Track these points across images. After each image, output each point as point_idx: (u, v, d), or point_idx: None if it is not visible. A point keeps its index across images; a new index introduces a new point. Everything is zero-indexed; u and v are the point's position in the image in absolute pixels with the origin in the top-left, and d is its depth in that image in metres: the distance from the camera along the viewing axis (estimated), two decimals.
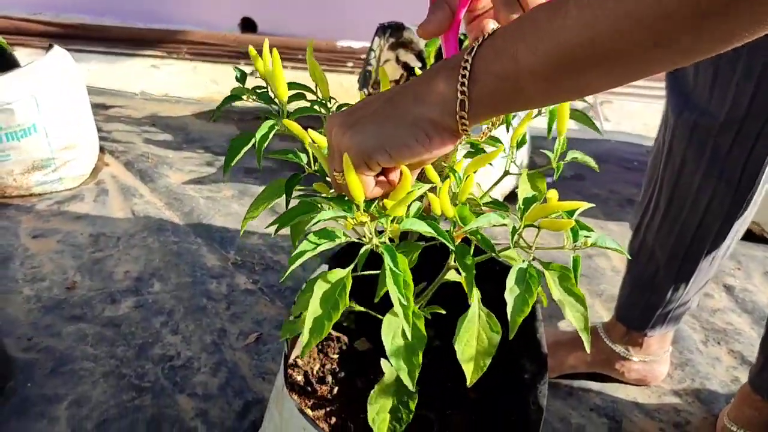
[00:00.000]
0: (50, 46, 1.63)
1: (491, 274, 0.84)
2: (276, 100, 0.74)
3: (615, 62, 0.43)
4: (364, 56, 2.54)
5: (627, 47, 0.42)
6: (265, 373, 1.23)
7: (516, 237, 0.64)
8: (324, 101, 0.77)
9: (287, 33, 2.71)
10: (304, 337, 0.57)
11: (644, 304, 1.16)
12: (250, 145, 0.75)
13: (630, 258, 1.18)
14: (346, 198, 0.60)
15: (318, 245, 0.58)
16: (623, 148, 2.04)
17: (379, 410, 0.69)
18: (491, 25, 0.60)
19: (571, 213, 0.68)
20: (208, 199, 1.72)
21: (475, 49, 0.49)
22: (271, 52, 0.72)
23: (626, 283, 1.21)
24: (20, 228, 1.58)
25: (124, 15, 2.90)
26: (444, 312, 0.78)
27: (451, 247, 0.63)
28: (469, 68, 0.49)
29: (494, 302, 0.69)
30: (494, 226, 0.67)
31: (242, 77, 0.79)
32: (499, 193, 1.71)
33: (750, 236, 1.63)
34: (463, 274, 0.65)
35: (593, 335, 1.24)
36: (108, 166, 1.85)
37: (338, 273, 0.61)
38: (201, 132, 2.05)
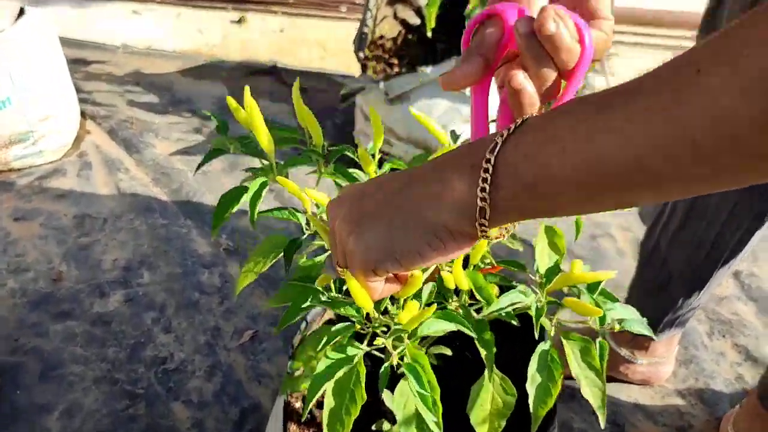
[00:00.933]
0: (21, 11, 1.51)
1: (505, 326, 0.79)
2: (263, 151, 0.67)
3: (664, 184, 0.37)
4: (359, 1, 2.40)
5: (678, 172, 0.35)
6: (261, 376, 1.20)
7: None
8: (316, 148, 0.70)
9: None
10: None
11: (653, 309, 1.12)
12: (240, 203, 0.68)
13: (641, 260, 1.14)
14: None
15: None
16: None
17: None
18: (520, 77, 0.50)
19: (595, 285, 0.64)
20: (198, 172, 1.64)
21: (499, 147, 0.42)
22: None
23: (635, 286, 1.16)
24: (1, 209, 1.51)
25: None
26: (450, 353, 0.74)
27: (474, 336, 0.58)
28: (491, 171, 0.42)
29: (509, 354, 0.66)
30: (516, 306, 0.61)
31: (223, 127, 0.71)
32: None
33: None
34: (483, 352, 0.61)
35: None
36: (90, 134, 1.75)
37: (348, 350, 0.55)
38: (188, 92, 1.95)
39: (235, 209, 0.67)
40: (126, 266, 1.39)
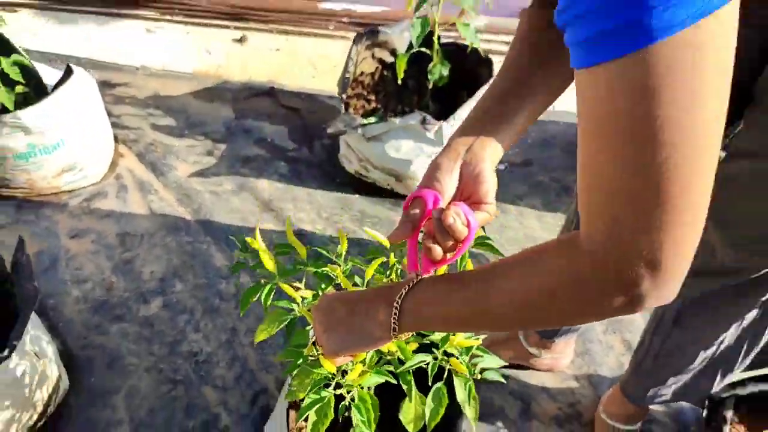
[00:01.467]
0: (69, 70, 1.87)
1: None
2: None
3: (480, 329, 0.79)
4: (345, 19, 2.74)
5: (485, 326, 0.77)
6: (268, 366, 1.64)
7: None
8: (304, 261, 1.10)
9: None
10: None
11: None
12: (258, 296, 1.08)
13: None
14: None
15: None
16: (572, 131, 2.34)
17: None
18: (430, 243, 0.89)
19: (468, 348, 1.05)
20: (211, 193, 2.05)
21: (402, 296, 0.83)
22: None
23: None
24: (59, 228, 1.92)
25: None
26: (394, 382, 1.17)
27: (405, 387, 1.00)
28: (398, 309, 0.84)
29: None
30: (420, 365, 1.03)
31: (239, 266, 1.11)
32: None
33: None
34: (404, 387, 1.04)
35: (516, 340, 1.64)
36: (123, 157, 2.14)
37: (321, 393, 0.98)
38: (200, 114, 2.32)
39: (254, 298, 1.08)
40: (161, 277, 1.82)
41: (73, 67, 1.89)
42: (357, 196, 2.08)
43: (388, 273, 1.12)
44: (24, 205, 1.97)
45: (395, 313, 0.81)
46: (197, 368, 1.63)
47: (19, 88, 1.86)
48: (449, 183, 0.84)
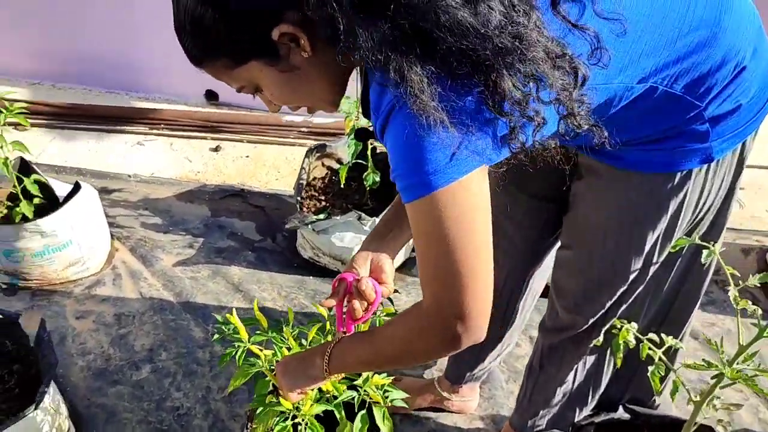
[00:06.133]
0: (77, 185, 2.36)
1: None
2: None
3: (380, 369, 1.26)
4: (304, 129, 3.29)
5: (381, 366, 1.23)
6: (236, 416, 2.06)
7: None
8: (266, 330, 1.55)
9: (244, 104, 3.42)
10: None
11: (458, 371, 2.00)
12: (234, 354, 1.53)
13: None
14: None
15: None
16: None
17: None
18: (356, 305, 1.36)
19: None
20: (191, 279, 2.51)
21: (330, 350, 1.28)
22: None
23: (453, 355, 2.03)
24: (66, 311, 2.36)
25: (110, 85, 3.57)
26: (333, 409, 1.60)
27: (338, 415, 1.44)
28: (328, 358, 1.28)
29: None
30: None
31: (224, 359, 1.57)
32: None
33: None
34: (338, 415, 1.47)
35: (432, 386, 2.08)
36: (118, 251, 2.61)
37: (281, 424, 1.42)
38: (182, 213, 2.81)
39: (229, 358, 1.52)
40: (150, 348, 2.25)
41: (81, 182, 2.38)
42: (311, 277, 2.55)
43: (325, 334, 1.57)
44: (38, 293, 2.42)
45: (326, 360, 1.25)
46: (179, 420, 2.04)
47: (36, 200, 2.35)
48: (363, 269, 1.33)
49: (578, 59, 0.94)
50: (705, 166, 1.19)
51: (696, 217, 1.31)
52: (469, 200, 0.96)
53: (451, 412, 2.11)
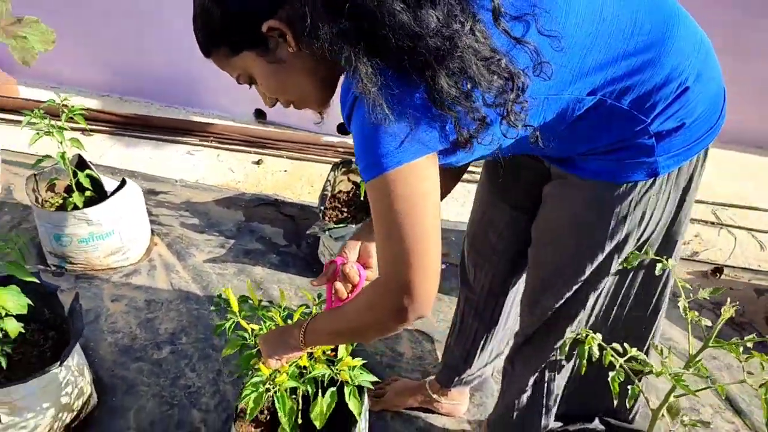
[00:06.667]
0: (124, 181, 2.63)
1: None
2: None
3: (349, 340, 1.42)
4: (340, 149, 3.50)
5: (350, 337, 1.40)
6: None
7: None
8: (257, 307, 1.73)
9: (290, 123, 3.68)
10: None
11: (447, 374, 2.12)
12: (225, 326, 1.71)
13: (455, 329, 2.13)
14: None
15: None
16: None
17: None
18: (338, 285, 1.53)
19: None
20: (218, 275, 2.72)
21: (306, 325, 1.44)
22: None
23: (443, 359, 2.16)
24: (104, 294, 2.61)
25: (170, 100, 3.90)
26: (311, 393, 1.75)
27: (310, 390, 1.60)
28: (304, 330, 1.44)
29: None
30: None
31: (216, 307, 1.76)
32: None
33: None
34: (310, 391, 1.63)
35: (423, 387, 2.20)
36: (156, 245, 2.86)
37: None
38: (218, 217, 3.05)
39: (221, 329, 1.70)
40: (172, 332, 2.46)
41: (127, 179, 2.65)
42: None
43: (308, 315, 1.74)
44: (81, 276, 2.68)
45: (302, 332, 1.42)
46: (189, 396, 2.23)
47: (87, 193, 2.63)
48: (352, 254, 1.50)
49: (516, 67, 1.09)
50: (650, 181, 1.30)
51: (645, 230, 1.40)
52: (417, 184, 1.10)
53: (441, 414, 2.22)
